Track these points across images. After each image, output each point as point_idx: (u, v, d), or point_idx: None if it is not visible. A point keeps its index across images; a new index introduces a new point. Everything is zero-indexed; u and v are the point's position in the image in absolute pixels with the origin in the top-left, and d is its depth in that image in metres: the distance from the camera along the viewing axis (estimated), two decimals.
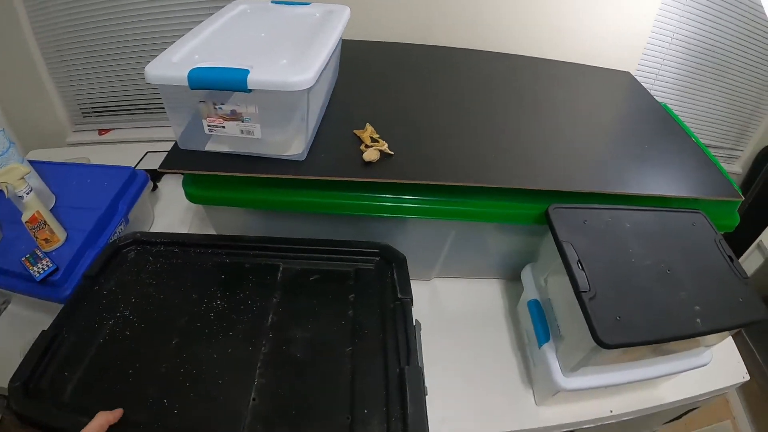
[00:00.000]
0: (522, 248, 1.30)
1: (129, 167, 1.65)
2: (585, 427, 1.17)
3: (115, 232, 1.40)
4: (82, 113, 2.04)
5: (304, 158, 1.13)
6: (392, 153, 1.15)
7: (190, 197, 1.31)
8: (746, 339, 1.75)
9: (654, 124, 1.41)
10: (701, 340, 0.99)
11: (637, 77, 1.72)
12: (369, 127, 1.21)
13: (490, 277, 1.48)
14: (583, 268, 0.93)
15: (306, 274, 1.16)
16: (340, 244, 1.18)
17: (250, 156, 1.14)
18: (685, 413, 1.46)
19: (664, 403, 1.20)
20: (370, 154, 1.12)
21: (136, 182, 1.64)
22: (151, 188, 1.67)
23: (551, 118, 1.41)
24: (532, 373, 1.23)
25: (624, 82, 1.66)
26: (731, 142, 2.32)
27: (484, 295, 1.47)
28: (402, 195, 1.12)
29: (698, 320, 0.89)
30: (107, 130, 2.06)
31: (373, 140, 1.16)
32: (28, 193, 1.18)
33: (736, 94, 2.12)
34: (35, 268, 1.21)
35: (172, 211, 1.71)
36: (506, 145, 1.26)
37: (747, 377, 1.25)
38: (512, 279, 1.45)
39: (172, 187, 1.80)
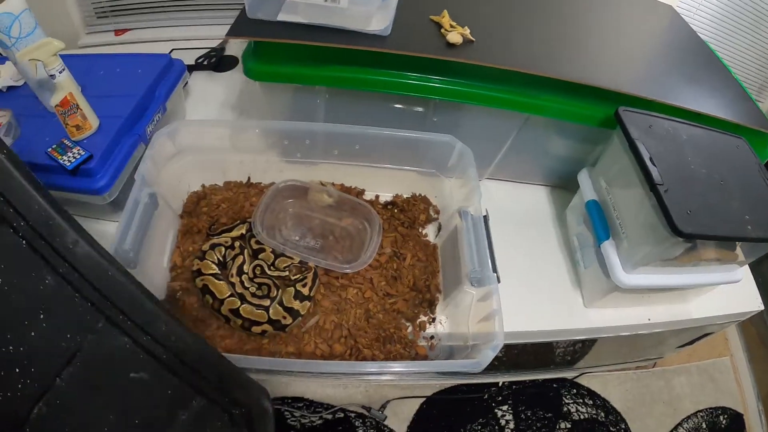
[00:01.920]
0: (574, 154, 1.39)
1: (165, 54, 1.56)
2: (623, 334, 1.33)
3: (153, 120, 1.37)
4: (97, 14, 1.95)
5: (388, 33, 1.12)
6: (473, 39, 1.17)
7: (253, 73, 1.26)
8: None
9: (696, 56, 1.49)
10: (739, 255, 1.15)
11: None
12: (446, 13, 1.23)
13: (536, 182, 1.58)
14: (654, 165, 1.02)
15: None
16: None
17: (328, 28, 1.12)
18: (698, 338, 1.68)
19: (692, 318, 1.36)
20: (454, 37, 1.15)
21: (174, 70, 1.56)
22: (186, 80, 1.57)
23: (607, 32, 1.48)
24: (581, 276, 1.36)
25: (667, 14, 1.71)
26: (754, 92, 2.42)
27: (532, 200, 1.57)
28: (481, 81, 1.17)
29: (749, 227, 1.02)
30: (124, 31, 1.96)
31: (452, 26, 1.18)
32: (60, 72, 1.13)
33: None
34: (65, 158, 1.16)
35: (203, 110, 1.67)
36: (577, 42, 1.34)
37: (762, 307, 1.42)
38: (557, 186, 1.57)
39: (202, 85, 1.76)
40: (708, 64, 1.42)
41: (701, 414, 2.16)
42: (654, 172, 1.00)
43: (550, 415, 2.08)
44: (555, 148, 1.41)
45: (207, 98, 1.70)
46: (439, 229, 1.45)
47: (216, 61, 1.72)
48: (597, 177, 1.26)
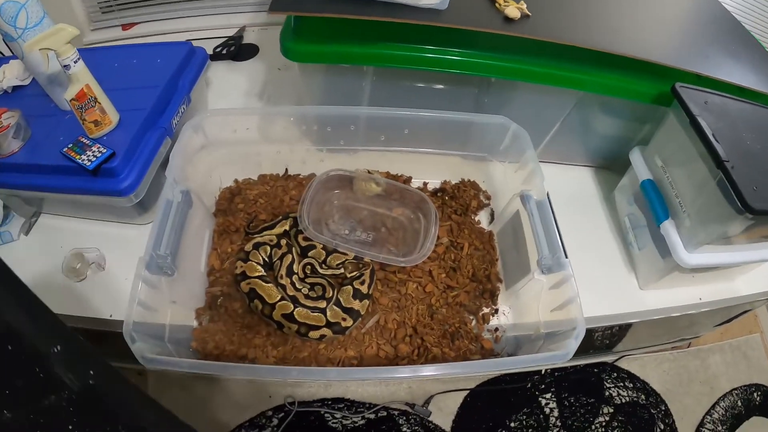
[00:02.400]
0: (622, 133, 1.30)
1: (186, 42, 1.38)
2: (674, 315, 1.24)
3: (178, 112, 1.22)
4: (101, 9, 1.76)
5: (445, 7, 1.01)
6: (530, 14, 1.07)
7: (293, 53, 1.10)
8: None
9: (732, 32, 1.38)
10: None
11: None
12: None
13: (581, 164, 1.46)
14: (718, 141, 0.94)
15: None
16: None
17: (378, 2, 1.00)
18: (737, 316, 1.60)
19: (740, 295, 1.26)
20: (512, 11, 1.05)
21: (196, 59, 1.37)
22: (208, 69, 1.38)
23: (655, 7, 1.37)
24: (635, 258, 1.25)
25: None
26: None
27: (577, 182, 1.46)
28: (538, 58, 1.07)
29: None
30: (131, 25, 1.78)
31: (506, 1, 1.08)
32: (75, 62, 0.99)
33: None
34: (83, 157, 1.03)
35: (224, 101, 1.52)
36: (631, 17, 1.24)
37: None
38: (602, 167, 1.45)
39: (222, 75, 1.61)
40: (744, 41, 1.32)
41: (736, 392, 2.04)
42: (719, 149, 0.92)
43: (592, 400, 2.00)
44: (603, 128, 1.30)
45: (228, 89, 1.55)
46: (492, 215, 1.32)
47: (235, 50, 1.58)
48: (651, 155, 1.17)
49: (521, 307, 1.12)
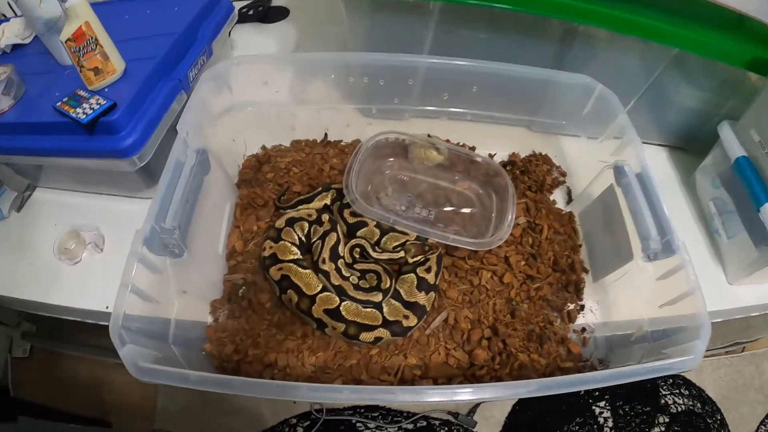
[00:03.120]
0: (706, 107, 1.04)
1: None
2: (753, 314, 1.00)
3: (197, 63, 0.97)
4: None
5: None
6: None
7: None
8: None
9: None
10: None
11: None
12: None
13: (657, 142, 1.18)
14: None
15: None
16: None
17: None
18: None
19: None
20: None
21: (220, 8, 1.09)
22: (234, 22, 1.13)
23: None
24: (721, 248, 1.00)
25: None
26: None
27: (653, 162, 1.07)
28: (633, 4, 0.83)
29: None
30: None
31: None
32: None
33: None
34: (78, 110, 0.81)
35: None
36: None
37: None
38: (677, 147, 1.17)
39: (247, 38, 1.33)
40: None
41: None
42: None
43: (648, 408, 1.68)
44: (686, 100, 1.04)
45: (255, 52, 1.27)
46: (569, 194, 1.05)
47: (263, 11, 1.31)
48: (745, 130, 0.93)
49: (613, 302, 0.88)
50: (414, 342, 0.79)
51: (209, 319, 0.83)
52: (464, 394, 0.60)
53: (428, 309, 0.79)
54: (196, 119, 0.79)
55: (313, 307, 0.74)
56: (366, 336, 0.74)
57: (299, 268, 0.78)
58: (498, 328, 0.80)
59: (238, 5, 1.35)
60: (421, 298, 0.77)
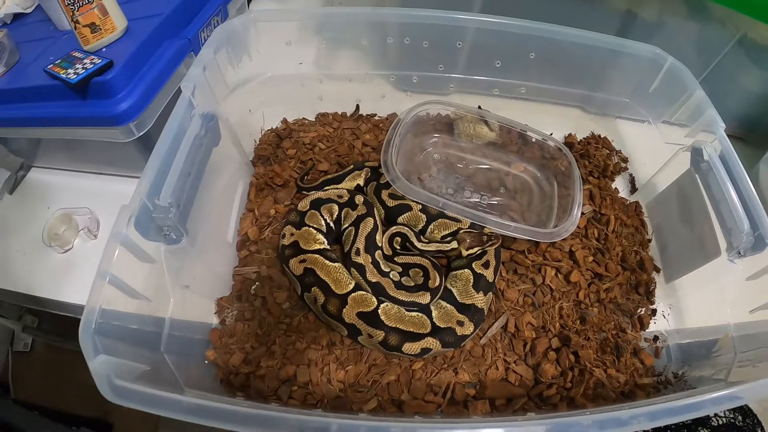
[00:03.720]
0: (764, 91, 0.85)
1: None
2: None
3: (210, 23, 0.80)
4: None
5: None
6: None
7: None
8: None
9: None
10: None
11: None
12: None
13: None
14: None
15: None
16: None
17: None
18: None
19: None
20: None
21: None
22: None
23: None
24: None
25: None
26: None
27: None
28: None
29: None
30: None
31: None
32: None
33: None
34: (69, 71, 0.65)
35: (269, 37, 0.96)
36: None
37: None
38: (737, 137, 0.96)
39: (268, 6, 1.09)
40: None
41: None
42: None
43: (689, 421, 1.21)
44: (751, 83, 0.87)
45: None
46: (633, 182, 0.86)
47: None
48: None
49: (689, 306, 0.73)
50: (467, 354, 0.60)
51: (214, 321, 0.64)
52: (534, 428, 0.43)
53: (486, 313, 0.58)
54: (202, 76, 0.63)
55: (344, 310, 0.55)
56: (410, 347, 0.54)
57: (326, 261, 0.58)
58: (569, 336, 0.59)
59: None
60: (479, 299, 0.57)
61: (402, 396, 0.57)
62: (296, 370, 0.57)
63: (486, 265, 0.60)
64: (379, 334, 0.54)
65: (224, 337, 0.60)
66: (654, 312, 0.71)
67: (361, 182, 0.70)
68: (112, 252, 0.47)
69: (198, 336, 0.62)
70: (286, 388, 0.56)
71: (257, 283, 0.65)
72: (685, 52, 0.79)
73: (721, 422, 1.54)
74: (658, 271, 0.74)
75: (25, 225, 0.82)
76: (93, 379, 0.43)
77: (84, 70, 0.65)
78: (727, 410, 1.50)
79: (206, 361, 0.60)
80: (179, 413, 0.41)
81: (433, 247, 0.62)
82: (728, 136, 0.96)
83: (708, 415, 1.48)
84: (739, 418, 1.56)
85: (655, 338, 0.68)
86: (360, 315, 0.55)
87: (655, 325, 0.71)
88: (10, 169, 0.88)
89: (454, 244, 0.61)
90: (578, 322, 0.64)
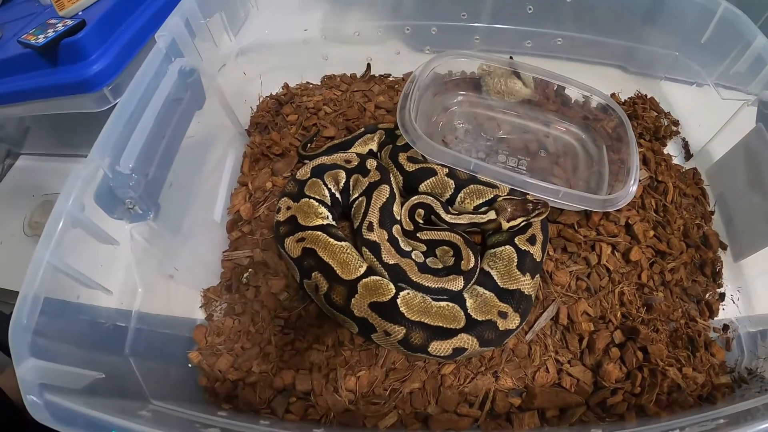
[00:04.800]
0: None
1: None
2: None
3: None
4: None
5: None
6: None
7: None
8: None
9: None
10: None
11: None
12: None
13: None
14: None
15: None
16: None
17: None
18: None
19: None
20: None
21: None
22: None
23: None
24: None
25: None
26: None
27: None
28: None
29: None
30: None
31: None
32: None
33: None
34: (39, 37, 0.58)
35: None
36: None
37: None
38: None
39: None
40: None
41: None
42: None
43: None
44: None
45: None
46: (687, 147, 0.71)
47: None
48: None
49: (762, 288, 0.60)
50: (509, 353, 0.47)
51: (200, 317, 0.51)
52: None
53: (533, 301, 0.44)
54: (184, 31, 0.52)
55: (353, 300, 0.42)
56: (439, 346, 0.41)
57: (330, 239, 0.46)
58: (635, 328, 0.46)
59: None
60: (526, 283, 0.44)
61: (428, 408, 0.46)
62: (295, 377, 0.45)
63: (532, 241, 0.47)
64: (399, 331, 0.42)
65: (210, 336, 0.49)
66: (722, 296, 0.58)
67: (375, 147, 0.58)
68: (54, 229, 0.36)
69: (180, 333, 0.51)
70: (283, 400, 0.44)
71: (250, 269, 0.54)
72: None
73: None
74: (724, 248, 0.62)
75: (9, 214, 0.74)
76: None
77: (54, 32, 0.58)
78: None
79: (189, 365, 0.48)
80: None
81: (464, 219, 0.49)
82: None
83: None
84: None
85: (725, 327, 0.56)
86: (373, 306, 0.42)
87: (724, 312, 0.58)
88: None
89: (492, 215, 0.48)
90: (644, 310, 0.50)
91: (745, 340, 0.58)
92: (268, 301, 0.50)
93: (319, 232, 0.48)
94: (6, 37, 0.72)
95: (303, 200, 0.50)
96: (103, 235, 0.43)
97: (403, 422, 0.44)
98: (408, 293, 0.44)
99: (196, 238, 0.56)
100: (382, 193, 0.50)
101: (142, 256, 0.46)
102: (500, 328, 0.43)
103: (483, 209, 0.50)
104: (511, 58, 0.67)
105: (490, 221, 0.48)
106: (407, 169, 0.54)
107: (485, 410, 0.45)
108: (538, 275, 0.48)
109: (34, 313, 0.36)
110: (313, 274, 0.46)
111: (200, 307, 0.53)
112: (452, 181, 0.52)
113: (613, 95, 0.76)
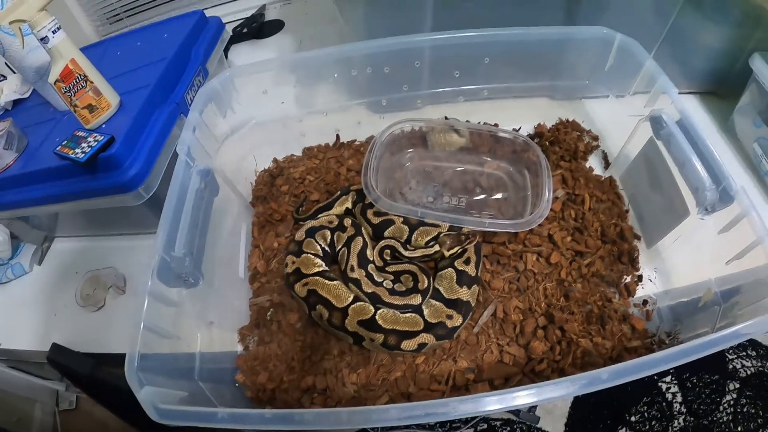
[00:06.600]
0: (732, 44, 0.92)
1: (196, 11, 1.03)
2: None
3: (193, 85, 0.91)
4: (108, 20, 1.48)
5: None
6: None
7: None
8: None
9: None
10: None
11: None
12: None
13: (685, 90, 1.04)
14: None
15: None
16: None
17: None
18: None
19: None
20: None
21: (210, 28, 1.03)
22: (226, 40, 1.04)
23: None
24: None
25: None
26: None
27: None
28: None
29: None
30: None
31: None
32: (54, 32, 0.73)
33: None
34: (77, 150, 0.75)
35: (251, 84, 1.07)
36: None
37: None
38: (708, 92, 1.05)
39: (246, 55, 1.28)
40: None
41: None
42: None
43: (716, 377, 1.43)
44: (711, 39, 0.92)
45: None
46: (605, 158, 0.94)
47: (257, 27, 1.28)
48: None
49: (673, 267, 0.78)
50: (462, 343, 0.69)
51: (239, 348, 0.74)
52: (526, 397, 0.50)
53: (473, 304, 0.68)
54: (195, 138, 0.73)
55: (347, 320, 0.65)
56: (408, 344, 0.64)
57: (326, 281, 0.69)
58: (553, 314, 0.69)
59: (231, 26, 1.29)
60: (464, 293, 0.67)
61: (410, 389, 0.65)
62: (314, 380, 0.67)
63: (467, 262, 0.69)
64: (379, 337, 0.64)
65: (249, 361, 0.70)
66: (640, 278, 0.77)
67: (350, 205, 0.80)
68: (142, 304, 0.59)
69: (227, 364, 0.72)
70: (308, 397, 0.66)
71: (271, 309, 0.75)
72: (635, 26, 0.84)
73: (749, 372, 1.58)
74: (638, 238, 0.81)
75: (57, 291, 0.92)
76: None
77: (90, 149, 0.74)
78: (753, 359, 1.55)
79: (236, 384, 0.71)
80: (215, 422, 0.51)
81: (418, 253, 0.72)
82: (700, 92, 1.06)
83: (735, 367, 1.54)
84: (767, 365, 1.60)
85: (644, 302, 0.74)
86: (360, 323, 0.65)
87: (644, 290, 0.76)
88: (35, 243, 0.99)
89: (437, 248, 0.70)
90: (562, 299, 0.72)
91: (665, 311, 0.75)
92: (288, 330, 0.71)
93: (318, 277, 0.70)
94: (33, 143, 0.87)
95: (303, 256, 0.72)
96: (168, 300, 0.66)
97: (393, 401, 0.65)
98: (383, 311, 0.66)
99: (228, 292, 0.76)
100: (358, 243, 0.73)
101: (195, 311, 0.68)
102: (449, 326, 0.65)
103: (431, 243, 0.72)
104: (446, 117, 0.88)
105: (436, 252, 0.71)
106: (374, 222, 0.76)
107: (449, 385, 0.65)
108: (475, 285, 0.69)
109: (138, 358, 0.55)
110: (317, 306, 0.67)
111: (238, 341, 0.74)
112: (407, 227, 0.75)
113: (539, 125, 0.96)
